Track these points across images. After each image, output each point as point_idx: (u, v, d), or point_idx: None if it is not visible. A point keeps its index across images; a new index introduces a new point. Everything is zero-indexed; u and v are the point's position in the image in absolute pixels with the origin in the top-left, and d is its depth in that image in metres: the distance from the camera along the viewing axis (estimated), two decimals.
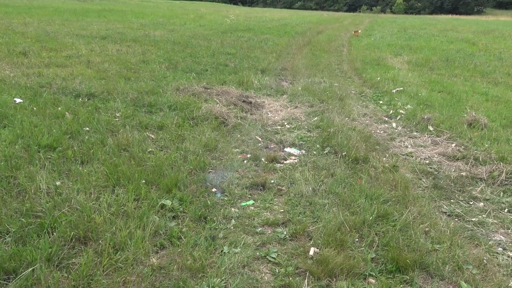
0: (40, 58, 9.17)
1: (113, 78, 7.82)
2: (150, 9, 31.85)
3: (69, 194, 3.52)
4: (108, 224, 3.16)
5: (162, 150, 4.74)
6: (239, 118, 6.19)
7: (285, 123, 6.23)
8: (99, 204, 3.43)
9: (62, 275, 2.63)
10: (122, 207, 3.42)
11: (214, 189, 3.98)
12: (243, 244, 3.16)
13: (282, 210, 3.72)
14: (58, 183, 3.72)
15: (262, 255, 3.07)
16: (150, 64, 9.55)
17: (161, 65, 9.61)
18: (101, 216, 3.23)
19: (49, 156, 4.28)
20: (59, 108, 5.74)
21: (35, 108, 5.63)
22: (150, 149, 4.71)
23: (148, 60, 10.01)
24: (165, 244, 3.09)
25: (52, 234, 2.99)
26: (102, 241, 2.97)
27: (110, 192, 3.65)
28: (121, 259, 2.84)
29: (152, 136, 5.16)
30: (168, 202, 3.57)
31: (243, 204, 3.80)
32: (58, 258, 2.77)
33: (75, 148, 4.49)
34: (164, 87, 7.45)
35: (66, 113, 5.57)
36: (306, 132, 5.85)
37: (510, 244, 3.42)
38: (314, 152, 5.03)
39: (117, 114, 5.81)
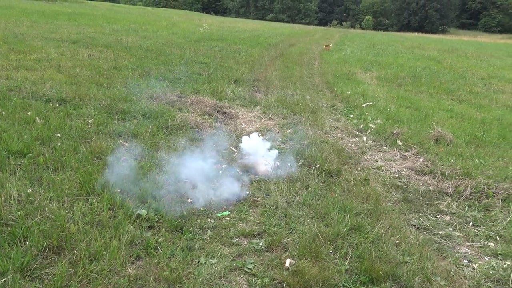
0: (8, 61, 8.90)
1: (85, 83, 7.69)
2: (122, 15, 31.47)
3: (42, 202, 3.45)
4: (82, 234, 3.11)
5: (136, 159, 4.70)
6: (213, 128, 6.21)
7: (259, 134, 6.28)
8: (73, 213, 3.37)
9: (35, 286, 2.57)
10: (97, 216, 3.38)
11: (189, 199, 3.98)
12: (220, 255, 3.18)
13: (258, 221, 3.76)
14: (29, 190, 3.64)
15: (239, 266, 3.10)
16: (122, 71, 9.43)
17: (134, 72, 9.51)
18: (75, 225, 3.18)
19: (20, 163, 4.17)
20: (29, 113, 5.60)
21: (4, 113, 5.47)
22: (124, 158, 4.66)
23: (121, 67, 9.89)
24: (141, 255, 3.07)
25: (24, 244, 2.92)
26: (76, 251, 2.92)
27: (84, 201, 3.59)
28: (96, 269, 2.80)
29: (126, 144, 5.11)
30: (144, 212, 3.55)
31: (219, 214, 3.82)
32: (31, 269, 2.71)
33: (46, 155, 4.39)
34: (138, 94, 7.38)
35: (37, 118, 5.44)
36: (280, 144, 5.93)
37: (475, 257, 3.57)
38: (289, 164, 5.10)
39: (90, 121, 5.72)
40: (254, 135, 5.28)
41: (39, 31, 14.56)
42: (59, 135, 5.02)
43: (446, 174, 5.19)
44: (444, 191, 4.80)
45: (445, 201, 4.55)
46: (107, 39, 14.47)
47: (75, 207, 3.46)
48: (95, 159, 4.50)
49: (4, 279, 2.54)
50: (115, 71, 9.32)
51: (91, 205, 3.52)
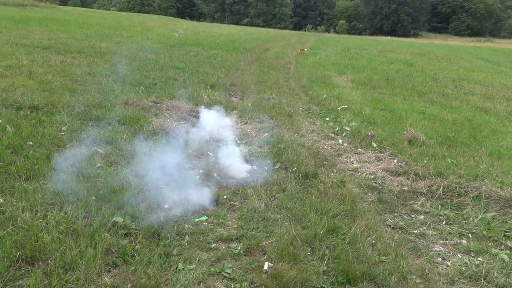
0: None
1: (57, 90, 7.55)
2: (95, 20, 31.01)
3: (14, 212, 3.37)
4: (57, 243, 3.05)
5: (112, 166, 4.64)
6: (190, 133, 6.18)
7: (236, 139, 6.30)
8: (46, 222, 3.30)
9: None
10: (72, 225, 3.32)
11: (166, 205, 3.95)
12: (198, 260, 3.17)
13: (236, 226, 3.76)
14: (1, 200, 3.55)
15: (217, 271, 3.09)
16: (96, 77, 9.30)
17: (108, 77, 9.39)
18: (49, 234, 3.12)
19: None
20: (0, 121, 5.46)
21: None
22: (99, 165, 4.60)
23: (95, 73, 9.74)
24: (117, 263, 3.04)
25: None
26: (51, 261, 2.86)
27: (58, 210, 3.52)
28: (71, 279, 2.75)
29: (101, 151, 5.04)
30: (120, 219, 3.51)
31: (196, 220, 3.80)
32: (4, 280, 2.64)
33: (18, 163, 4.29)
34: (112, 100, 7.28)
35: (8, 126, 5.31)
36: (257, 148, 5.95)
37: (448, 254, 3.66)
38: (266, 168, 5.12)
39: (63, 128, 5.62)
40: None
41: (9, 37, 14.21)
42: (31, 143, 4.91)
43: (420, 174, 5.30)
44: (418, 191, 4.91)
45: (419, 201, 4.65)
46: (80, 45, 14.24)
47: (48, 216, 3.39)
48: (69, 167, 4.42)
49: None
50: (88, 77, 9.17)
51: (65, 214, 3.46)
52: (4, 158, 4.37)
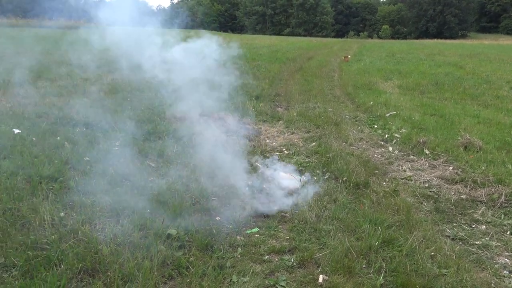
0: (35, 89, 9.19)
1: (109, 107, 7.85)
2: None
3: (74, 225, 3.50)
4: (115, 255, 3.14)
5: (163, 179, 4.74)
6: (237, 144, 6.22)
7: (283, 149, 6.28)
8: (104, 235, 3.41)
9: None
10: (128, 237, 3.41)
11: (218, 217, 3.98)
12: (252, 272, 3.16)
13: (288, 237, 3.72)
14: (62, 214, 3.71)
15: (272, 283, 3.07)
16: (145, 92, 9.60)
17: (157, 93, 9.66)
18: (107, 247, 3.21)
19: (51, 187, 4.26)
20: (58, 138, 5.73)
21: (34, 139, 5.62)
22: (152, 178, 4.71)
23: (143, 88, 10.06)
24: (173, 275, 3.08)
25: (60, 267, 2.97)
26: (110, 272, 2.95)
27: (115, 223, 3.63)
28: None
29: (153, 165, 5.17)
30: (173, 232, 3.56)
31: (248, 231, 3.80)
32: None
33: (76, 178, 4.48)
34: (161, 115, 7.48)
35: (66, 142, 5.56)
36: (305, 158, 5.90)
37: None
38: (315, 178, 5.06)
39: (116, 143, 5.81)
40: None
41: (64, 58, 14.99)
42: (87, 158, 5.12)
43: (478, 182, 5.05)
44: (478, 199, 4.67)
45: (480, 210, 4.42)
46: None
47: (106, 229, 3.50)
48: (124, 180, 4.56)
49: None
50: (137, 93, 9.48)
51: (122, 227, 3.56)
52: (63, 173, 4.57)
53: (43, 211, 3.66)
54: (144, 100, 8.77)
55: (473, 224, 4.15)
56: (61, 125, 6.47)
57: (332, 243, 3.56)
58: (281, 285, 3.04)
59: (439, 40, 56.26)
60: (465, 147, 6.36)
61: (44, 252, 3.11)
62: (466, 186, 4.97)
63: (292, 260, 3.35)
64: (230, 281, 3.05)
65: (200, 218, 3.88)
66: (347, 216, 4.05)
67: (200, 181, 4.63)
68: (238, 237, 3.68)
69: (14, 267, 2.95)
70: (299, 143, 6.62)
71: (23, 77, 10.31)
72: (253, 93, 10.39)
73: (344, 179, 4.96)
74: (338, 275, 3.13)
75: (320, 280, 3.09)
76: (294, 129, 7.45)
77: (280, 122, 7.97)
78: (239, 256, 3.38)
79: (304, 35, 73.08)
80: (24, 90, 8.96)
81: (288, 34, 74.74)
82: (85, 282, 2.88)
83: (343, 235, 3.70)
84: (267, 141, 6.72)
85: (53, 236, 3.30)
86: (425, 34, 76.12)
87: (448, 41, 53.25)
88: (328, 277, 3.12)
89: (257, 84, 11.90)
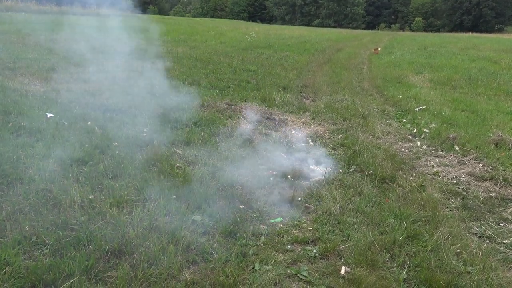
0: (68, 74, 9.42)
1: (138, 93, 7.98)
2: (172, 26, 32.43)
3: (103, 207, 3.60)
4: (141, 239, 3.22)
5: (189, 166, 4.81)
6: (263, 135, 6.24)
7: (309, 141, 6.25)
8: (131, 218, 3.49)
9: None
10: (154, 221, 3.48)
11: (242, 206, 4.01)
12: (274, 261, 3.18)
13: (311, 228, 3.73)
14: (91, 196, 3.81)
15: (293, 273, 3.08)
16: (174, 81, 9.70)
17: (185, 81, 9.77)
18: (134, 230, 3.30)
19: (82, 170, 4.39)
20: (89, 123, 5.88)
21: (66, 123, 5.78)
22: (178, 165, 4.79)
23: (172, 77, 10.18)
24: (197, 260, 3.13)
25: (88, 247, 3.06)
26: (136, 255, 3.03)
27: (142, 207, 3.71)
28: (155, 273, 2.88)
29: (179, 152, 5.24)
30: (198, 218, 3.62)
31: (272, 221, 3.82)
32: (95, 271, 2.83)
33: (106, 162, 4.59)
34: (189, 103, 7.56)
35: (96, 128, 5.70)
36: (331, 150, 5.86)
37: None
38: (340, 170, 5.03)
39: (144, 130, 5.92)
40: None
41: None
42: (116, 143, 5.23)
43: (509, 180, 4.91)
44: (508, 197, 4.55)
45: (509, 208, 4.31)
46: (158, 51, 14.95)
47: (133, 213, 3.59)
48: (151, 166, 4.65)
49: (71, 281, 2.67)
50: (166, 81, 9.60)
51: (149, 211, 3.64)
52: (93, 157, 4.69)
53: (73, 193, 3.77)
54: (172, 87, 8.86)
55: (502, 223, 4.05)
56: (92, 110, 6.62)
57: (356, 236, 3.54)
58: (303, 275, 3.06)
59: (474, 34, 54.47)
60: (497, 144, 6.18)
61: (74, 233, 3.22)
62: (496, 184, 4.85)
63: (314, 251, 3.36)
64: (253, 268, 3.09)
65: (224, 205, 3.92)
66: (372, 210, 4.02)
67: (226, 169, 4.67)
68: (262, 226, 3.70)
69: (45, 246, 3.06)
70: (326, 135, 6.58)
71: (58, 63, 10.59)
72: (280, 83, 10.36)
73: (370, 172, 4.91)
74: (361, 267, 3.12)
75: (343, 271, 3.08)
76: (321, 120, 7.40)
77: (307, 113, 7.93)
78: (262, 244, 3.41)
79: (334, 27, 72.06)
80: (57, 75, 9.21)
81: (318, 25, 73.85)
82: (112, 263, 2.97)
83: (367, 228, 3.68)
84: (293, 132, 6.70)
85: (82, 218, 3.41)
86: (459, 27, 73.82)
87: (483, 35, 51.48)
88: (351, 269, 3.12)
89: (284, 74, 11.86)
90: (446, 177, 5.12)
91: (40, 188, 3.88)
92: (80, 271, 2.78)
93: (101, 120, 6.10)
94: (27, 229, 3.22)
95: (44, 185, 3.93)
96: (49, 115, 6.10)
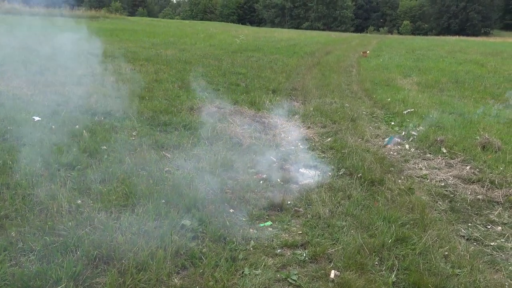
0: (55, 77, 9.32)
1: (128, 97, 7.93)
2: (161, 29, 32.36)
3: (91, 212, 3.57)
4: (130, 244, 3.19)
5: (179, 170, 4.79)
6: (253, 138, 6.24)
7: (299, 144, 6.27)
8: (120, 223, 3.46)
9: None
10: (143, 226, 3.46)
11: (231, 210, 4.00)
12: (264, 265, 3.18)
13: (301, 232, 3.73)
14: (79, 201, 3.78)
15: (283, 277, 3.08)
16: (163, 83, 9.67)
17: (174, 84, 9.73)
18: (123, 235, 3.27)
19: (69, 175, 4.35)
20: (77, 127, 5.83)
21: (53, 127, 5.72)
22: (167, 169, 4.76)
23: (161, 79, 10.14)
24: (186, 265, 3.12)
25: (76, 253, 3.03)
26: (124, 260, 3.00)
27: (130, 211, 3.68)
28: (144, 279, 2.86)
29: (169, 156, 5.22)
30: (187, 222, 3.61)
31: (261, 225, 3.82)
32: (83, 278, 2.80)
33: (94, 166, 4.55)
34: (178, 106, 7.54)
35: (84, 131, 5.65)
36: (320, 153, 5.88)
37: None
38: (330, 174, 5.05)
39: (134, 133, 5.89)
40: None
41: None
42: (105, 147, 5.19)
43: (496, 183, 4.97)
44: (494, 200, 4.60)
45: (496, 211, 4.36)
46: (148, 53, 14.90)
47: (122, 218, 3.56)
48: (140, 170, 4.62)
49: (59, 287, 2.64)
50: (155, 84, 9.56)
51: (137, 216, 3.61)
52: (81, 162, 4.65)
53: (61, 198, 3.73)
54: (162, 90, 8.83)
55: (489, 225, 4.10)
56: (80, 114, 6.56)
57: (345, 239, 3.56)
58: (293, 279, 3.06)
59: (461, 37, 55.18)
60: (484, 147, 6.26)
61: (61, 238, 3.18)
62: (483, 186, 4.91)
63: (304, 255, 3.36)
64: (242, 273, 3.08)
65: (214, 209, 3.91)
66: (361, 213, 4.03)
67: (215, 173, 4.66)
68: (251, 230, 3.70)
69: (31, 252, 3.02)
70: (315, 138, 6.61)
71: (45, 65, 10.48)
72: (270, 86, 10.38)
73: (359, 175, 4.93)
74: (350, 271, 3.13)
75: (332, 275, 3.09)
76: (310, 123, 7.43)
77: (296, 116, 7.94)
78: (251, 248, 3.41)
79: (323, 30, 72.47)
80: (44, 78, 9.11)
81: (307, 28, 74.17)
82: (100, 269, 2.94)
83: (356, 232, 3.69)
84: (283, 135, 6.71)
85: (70, 223, 3.37)
86: (446, 30, 74.78)
87: (470, 38, 52.19)
88: (340, 272, 3.12)
89: (274, 77, 11.88)
90: (434, 180, 5.16)
91: (27, 193, 3.83)
92: (67, 277, 2.75)
93: (89, 123, 6.05)
94: (13, 235, 3.18)
95: (31, 190, 3.89)
96: (37, 118, 6.04)
